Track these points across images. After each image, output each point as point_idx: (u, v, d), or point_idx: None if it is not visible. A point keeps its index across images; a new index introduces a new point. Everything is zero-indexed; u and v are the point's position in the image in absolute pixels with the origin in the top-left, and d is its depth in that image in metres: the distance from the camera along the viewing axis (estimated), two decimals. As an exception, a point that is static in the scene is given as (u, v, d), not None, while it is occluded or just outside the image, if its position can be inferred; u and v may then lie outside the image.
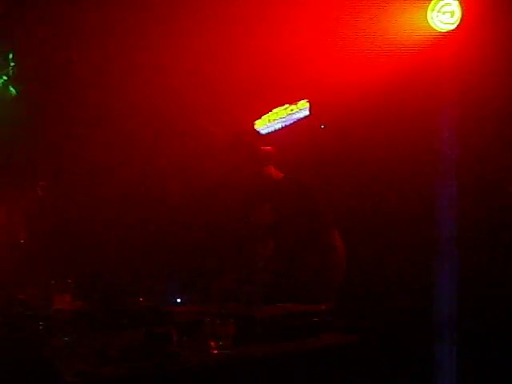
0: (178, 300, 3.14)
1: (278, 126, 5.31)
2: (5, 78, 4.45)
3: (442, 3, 3.86)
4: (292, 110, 5.19)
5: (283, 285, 3.21)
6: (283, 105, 5.26)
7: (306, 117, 5.03)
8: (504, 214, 3.68)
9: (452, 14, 3.81)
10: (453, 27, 3.81)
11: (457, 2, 3.79)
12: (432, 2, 3.88)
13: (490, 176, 3.78)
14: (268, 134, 5.19)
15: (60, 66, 4.64)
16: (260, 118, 5.45)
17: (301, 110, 5.12)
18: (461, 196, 3.96)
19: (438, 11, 3.87)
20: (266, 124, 5.37)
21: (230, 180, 3.49)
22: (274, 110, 5.36)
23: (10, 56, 4.26)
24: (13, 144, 4.86)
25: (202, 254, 4.29)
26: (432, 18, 3.87)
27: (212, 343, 2.35)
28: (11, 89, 4.55)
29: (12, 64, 4.31)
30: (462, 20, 3.77)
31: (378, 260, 4.25)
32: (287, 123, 5.24)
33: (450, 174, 4.00)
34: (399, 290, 4.13)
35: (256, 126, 5.22)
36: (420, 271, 4.10)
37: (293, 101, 5.14)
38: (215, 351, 2.33)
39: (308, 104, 5.01)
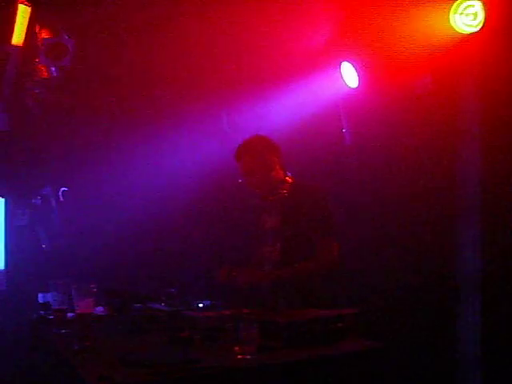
0: (201, 305, 3.12)
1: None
2: None
3: (464, 5, 3.79)
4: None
5: (284, 290, 3.24)
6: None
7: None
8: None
9: (475, 15, 3.76)
10: (476, 29, 3.75)
11: (480, 4, 3.72)
12: (455, 4, 3.81)
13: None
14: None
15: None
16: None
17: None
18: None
19: (461, 13, 3.81)
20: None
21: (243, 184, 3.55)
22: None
23: None
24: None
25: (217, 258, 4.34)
26: (455, 20, 3.81)
27: (236, 348, 2.33)
28: None
29: None
30: (485, 22, 3.71)
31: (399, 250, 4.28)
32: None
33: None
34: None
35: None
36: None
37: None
38: (239, 356, 2.31)
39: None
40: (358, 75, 4.43)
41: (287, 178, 3.48)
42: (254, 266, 3.45)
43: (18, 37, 3.99)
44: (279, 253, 3.34)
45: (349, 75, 4.52)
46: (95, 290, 2.75)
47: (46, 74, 4.37)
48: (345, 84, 4.57)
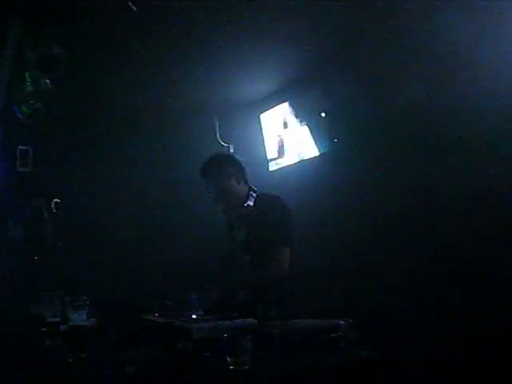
0: (194, 316, 3.11)
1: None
2: None
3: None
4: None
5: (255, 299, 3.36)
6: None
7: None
8: None
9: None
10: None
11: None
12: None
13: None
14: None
15: None
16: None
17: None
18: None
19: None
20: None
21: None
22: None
23: None
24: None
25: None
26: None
27: (229, 359, 2.32)
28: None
29: None
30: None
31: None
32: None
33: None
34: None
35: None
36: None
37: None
38: (232, 367, 2.30)
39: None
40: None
41: (251, 192, 3.63)
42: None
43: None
44: (249, 265, 3.51)
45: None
46: (88, 301, 2.74)
47: (38, 85, 4.37)
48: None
